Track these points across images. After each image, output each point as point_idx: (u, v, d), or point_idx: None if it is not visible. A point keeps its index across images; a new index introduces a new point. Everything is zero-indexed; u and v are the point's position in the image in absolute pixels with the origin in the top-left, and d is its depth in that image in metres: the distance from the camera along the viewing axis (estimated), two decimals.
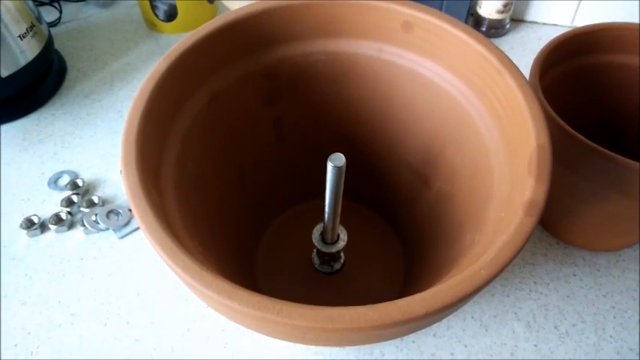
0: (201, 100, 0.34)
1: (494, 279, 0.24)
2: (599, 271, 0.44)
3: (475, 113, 0.33)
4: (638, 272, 0.44)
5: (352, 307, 0.22)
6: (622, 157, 0.33)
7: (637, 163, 0.33)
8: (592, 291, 0.43)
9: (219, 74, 0.35)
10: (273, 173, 0.43)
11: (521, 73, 0.30)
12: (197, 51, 0.32)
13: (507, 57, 0.31)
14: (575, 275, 0.44)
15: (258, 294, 0.22)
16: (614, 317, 0.41)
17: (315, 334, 0.23)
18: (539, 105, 0.28)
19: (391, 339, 0.27)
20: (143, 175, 0.26)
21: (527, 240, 0.25)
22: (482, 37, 0.32)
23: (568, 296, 0.43)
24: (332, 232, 0.37)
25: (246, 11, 0.33)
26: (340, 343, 0.25)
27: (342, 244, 0.39)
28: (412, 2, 0.34)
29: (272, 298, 0.22)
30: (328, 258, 0.41)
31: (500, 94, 0.31)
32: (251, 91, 0.37)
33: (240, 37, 0.34)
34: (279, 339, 0.27)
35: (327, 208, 0.35)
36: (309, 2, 0.34)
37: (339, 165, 0.30)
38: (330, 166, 0.30)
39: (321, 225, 0.38)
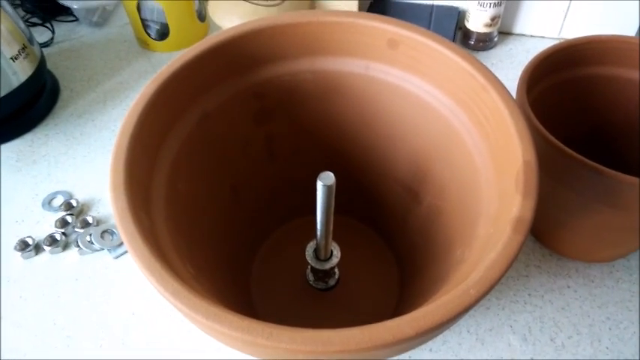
0: (190, 121, 0.34)
1: (484, 297, 0.24)
2: (593, 282, 0.44)
3: (463, 129, 0.33)
4: (632, 283, 0.44)
5: (342, 329, 0.22)
6: (609, 170, 0.33)
7: (624, 175, 0.33)
8: (587, 302, 0.43)
9: (208, 95, 0.35)
10: (266, 191, 0.43)
11: (507, 90, 0.30)
12: (185, 73, 0.32)
13: (492, 74, 0.31)
14: (569, 287, 0.44)
15: (247, 318, 0.22)
16: (610, 329, 0.41)
17: (306, 357, 0.23)
18: (524, 121, 0.29)
19: (382, 359, 0.27)
20: (132, 200, 0.26)
21: (516, 257, 0.25)
22: (467, 53, 0.32)
23: (563, 308, 0.43)
24: (325, 249, 0.37)
25: (232, 33, 0.34)
26: None
27: (335, 260, 0.39)
28: (397, 20, 0.34)
29: (261, 322, 0.22)
30: (322, 274, 0.41)
31: (486, 110, 0.31)
32: (241, 110, 0.37)
33: (227, 58, 0.34)
34: None
35: (318, 226, 0.35)
36: (295, 22, 0.35)
37: (329, 184, 0.30)
38: (320, 185, 0.31)
39: (315, 242, 0.38)
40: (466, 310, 0.23)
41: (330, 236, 0.36)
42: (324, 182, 0.30)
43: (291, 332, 0.22)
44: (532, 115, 0.37)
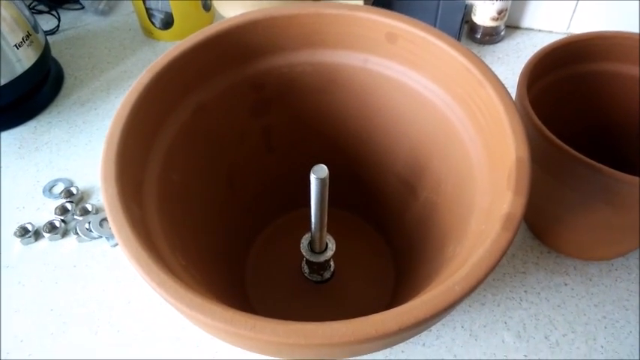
0: (185, 111, 0.34)
1: (470, 294, 0.24)
2: (590, 280, 0.44)
3: (459, 124, 0.33)
4: (630, 282, 0.44)
5: (326, 322, 0.22)
6: (607, 168, 0.33)
7: (622, 174, 0.32)
8: (583, 300, 0.43)
9: (204, 86, 0.35)
10: (263, 182, 0.43)
11: (503, 86, 0.30)
12: (180, 64, 0.32)
13: (489, 69, 0.31)
14: (566, 284, 0.44)
15: (231, 309, 0.22)
16: (605, 327, 0.41)
17: (290, 350, 0.23)
18: (519, 117, 0.28)
19: (368, 353, 0.27)
20: (122, 189, 0.26)
21: (504, 254, 0.24)
22: (465, 48, 0.32)
23: (559, 306, 0.42)
24: (319, 241, 0.37)
25: (229, 23, 0.33)
26: (317, 357, 0.25)
27: (330, 253, 0.39)
28: (396, 14, 0.34)
29: (245, 313, 0.22)
30: (317, 267, 0.41)
31: (482, 105, 0.31)
32: (238, 101, 0.37)
33: (224, 49, 0.34)
34: (255, 353, 0.28)
35: (313, 219, 0.35)
36: (294, 13, 0.35)
37: (322, 177, 0.30)
38: (313, 178, 0.31)
39: (310, 234, 0.38)
40: (451, 306, 0.23)
41: (325, 229, 0.36)
42: (317, 175, 0.30)
43: (274, 324, 0.22)
44: (531, 111, 0.37)
